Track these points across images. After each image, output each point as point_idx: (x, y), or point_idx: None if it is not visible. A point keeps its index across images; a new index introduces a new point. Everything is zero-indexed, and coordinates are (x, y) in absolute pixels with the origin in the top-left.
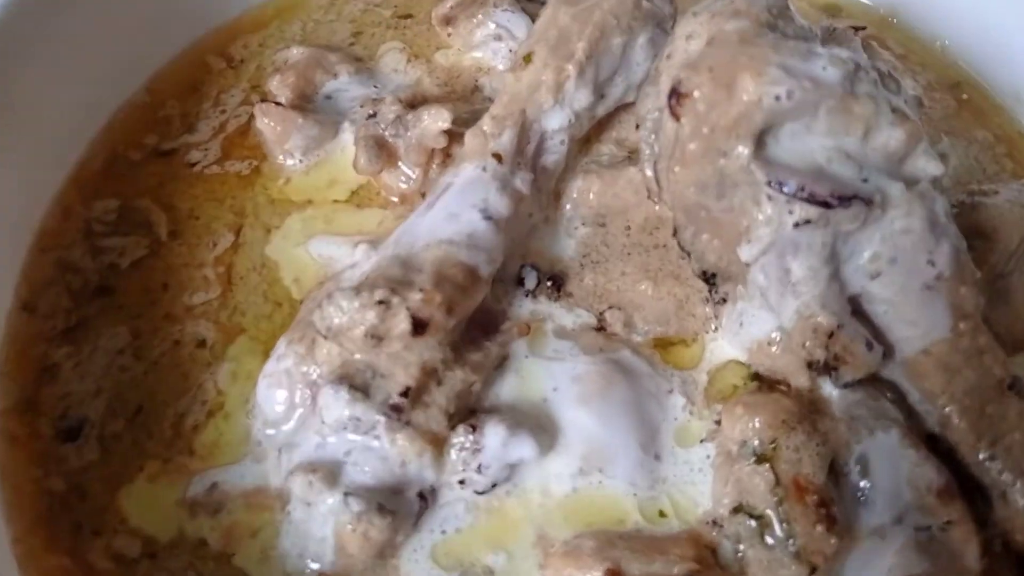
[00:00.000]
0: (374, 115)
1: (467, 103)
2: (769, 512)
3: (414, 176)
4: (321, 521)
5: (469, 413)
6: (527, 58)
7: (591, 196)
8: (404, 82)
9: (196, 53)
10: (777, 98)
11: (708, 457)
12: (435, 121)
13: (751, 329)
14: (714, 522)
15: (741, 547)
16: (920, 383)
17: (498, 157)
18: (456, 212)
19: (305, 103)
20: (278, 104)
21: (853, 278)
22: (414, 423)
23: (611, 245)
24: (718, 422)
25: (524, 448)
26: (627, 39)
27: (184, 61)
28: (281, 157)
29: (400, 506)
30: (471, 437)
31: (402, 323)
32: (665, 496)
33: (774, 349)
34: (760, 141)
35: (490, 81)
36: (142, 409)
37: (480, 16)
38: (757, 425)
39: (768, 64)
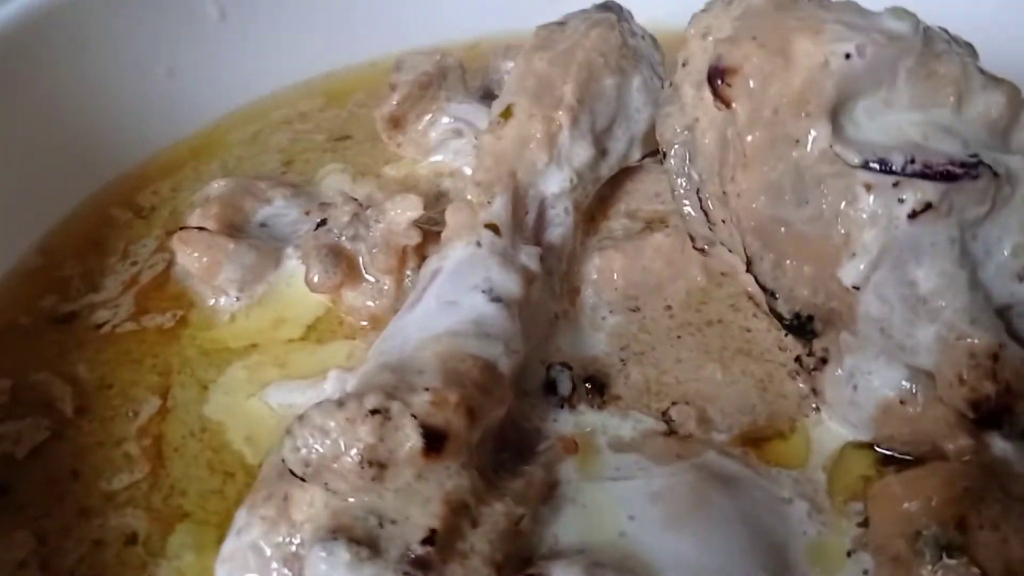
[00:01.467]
0: (323, 222)
1: (431, 210)
2: None
3: (385, 288)
4: None
5: (523, 564)
6: (506, 112)
7: (615, 276)
8: None
9: (96, 206)
10: (847, 56)
11: (866, 573)
12: (404, 211)
13: (870, 391)
14: None
15: None
16: None
17: (493, 228)
18: (453, 299)
19: (235, 232)
20: (202, 229)
21: (996, 283)
22: None
23: (652, 331)
24: (863, 523)
25: None
26: (620, 80)
27: (82, 216)
28: (212, 298)
29: None
30: None
31: (410, 437)
32: None
33: (911, 408)
34: (835, 124)
35: (455, 183)
36: None
37: (432, 112)
38: (933, 504)
39: (824, 21)
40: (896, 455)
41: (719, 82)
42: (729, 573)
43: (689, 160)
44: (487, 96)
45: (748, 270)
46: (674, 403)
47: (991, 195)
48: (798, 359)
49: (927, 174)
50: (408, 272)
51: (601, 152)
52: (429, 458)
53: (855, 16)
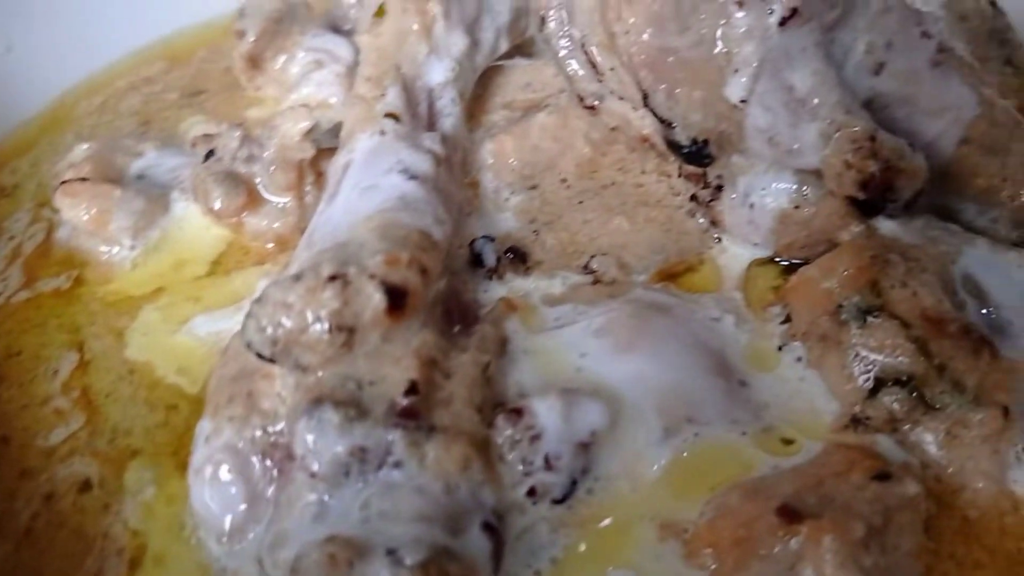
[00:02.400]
0: (211, 152)
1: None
2: (916, 365)
3: (287, 206)
4: None
5: (497, 408)
6: (379, 11)
7: (510, 158)
8: None
9: None
10: None
11: (800, 360)
12: (295, 123)
13: (765, 206)
14: (854, 420)
15: (906, 429)
16: (972, 183)
17: (393, 116)
18: (372, 183)
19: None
20: (84, 180)
21: (858, 80)
22: (440, 427)
23: (554, 202)
24: (785, 320)
25: (592, 413)
26: None
27: None
28: (106, 249)
29: (466, 550)
30: (521, 423)
31: (373, 297)
32: (779, 421)
33: (805, 210)
34: None
35: (324, 115)
36: None
37: (289, 48)
38: (846, 275)
39: None
40: (797, 262)
41: None
42: (684, 379)
43: (568, 21)
44: (336, 31)
45: (645, 105)
46: (592, 256)
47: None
48: (693, 197)
49: None
50: (307, 188)
51: (474, 42)
52: (393, 316)
53: None
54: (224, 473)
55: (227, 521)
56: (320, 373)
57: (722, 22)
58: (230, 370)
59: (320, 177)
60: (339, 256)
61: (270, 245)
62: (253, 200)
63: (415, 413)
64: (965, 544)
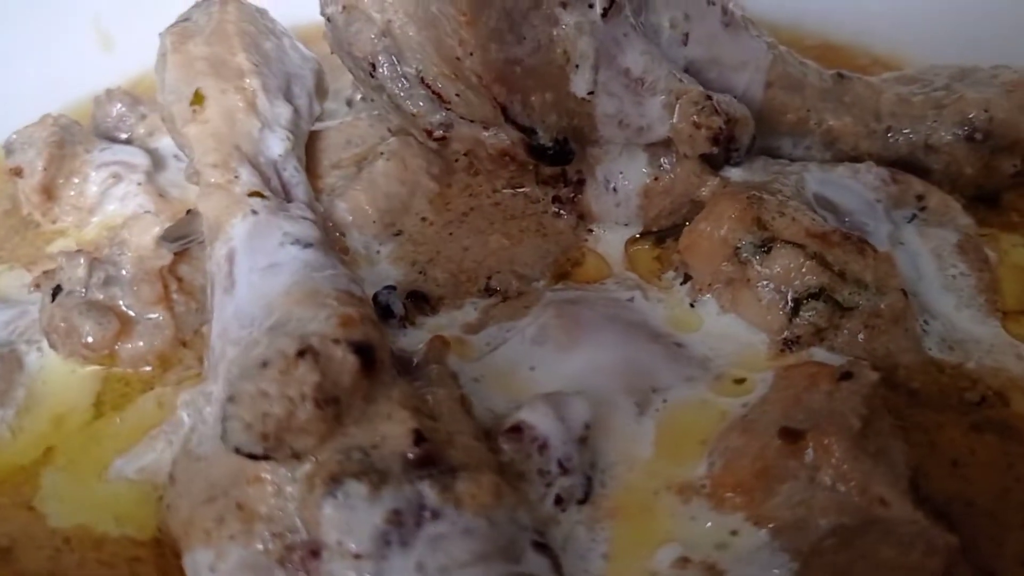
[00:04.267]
0: (58, 288)
1: None
2: (823, 277)
3: (160, 319)
4: None
5: (486, 435)
6: (197, 98)
7: (368, 210)
8: None
9: None
10: None
11: (718, 310)
12: (144, 232)
13: (627, 184)
14: (786, 342)
15: (830, 335)
16: (784, 120)
17: (258, 195)
18: (269, 262)
19: None
20: None
21: (672, 53)
22: (459, 466)
23: (425, 241)
24: (685, 279)
25: (579, 408)
26: (275, 41)
27: None
28: None
29: (533, 573)
30: (524, 437)
31: (347, 360)
32: (724, 366)
33: (664, 179)
34: None
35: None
36: None
37: (80, 169)
38: (734, 218)
39: None
40: (668, 230)
41: None
42: (632, 356)
43: (398, 61)
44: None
45: (506, 118)
46: (489, 277)
47: None
48: (556, 199)
49: None
50: (175, 296)
51: (295, 110)
52: (369, 375)
53: None
54: None
55: None
56: (316, 457)
57: (551, 24)
58: (196, 493)
59: (182, 283)
60: (287, 334)
61: (147, 368)
62: (124, 324)
63: (432, 459)
64: (921, 412)
